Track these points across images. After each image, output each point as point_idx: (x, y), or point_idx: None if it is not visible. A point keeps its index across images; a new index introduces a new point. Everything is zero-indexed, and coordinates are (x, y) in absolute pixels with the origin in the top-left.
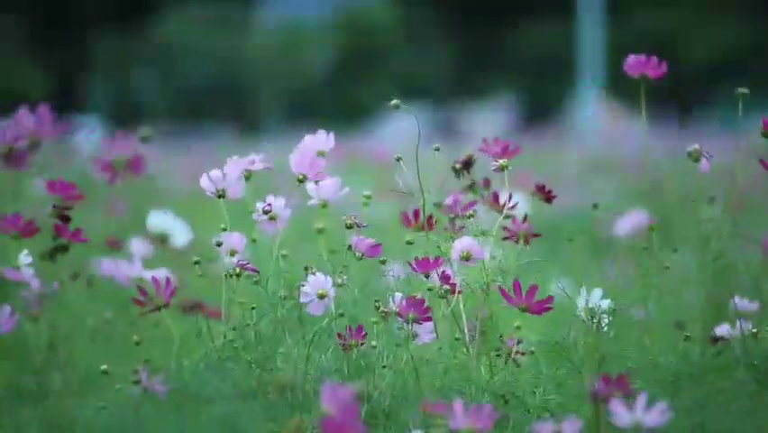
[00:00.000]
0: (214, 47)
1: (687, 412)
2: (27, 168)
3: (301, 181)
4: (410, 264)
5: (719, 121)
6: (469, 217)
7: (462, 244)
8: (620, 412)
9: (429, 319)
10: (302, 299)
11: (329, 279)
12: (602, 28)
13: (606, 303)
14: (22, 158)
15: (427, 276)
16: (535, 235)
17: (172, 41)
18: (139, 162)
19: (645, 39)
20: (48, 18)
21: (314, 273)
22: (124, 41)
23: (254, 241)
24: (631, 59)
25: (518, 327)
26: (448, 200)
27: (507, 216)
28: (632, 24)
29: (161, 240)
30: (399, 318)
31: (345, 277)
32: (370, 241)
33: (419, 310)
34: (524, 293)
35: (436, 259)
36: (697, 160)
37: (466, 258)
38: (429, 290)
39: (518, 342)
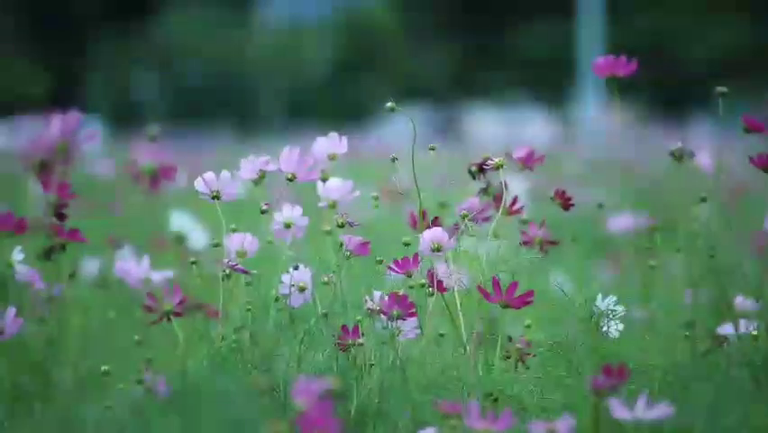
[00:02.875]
0: (214, 47)
1: (684, 412)
2: (54, 181)
3: (290, 180)
4: (389, 267)
5: (719, 120)
6: (464, 217)
7: (432, 234)
8: (620, 410)
9: (413, 315)
10: (280, 291)
11: (308, 271)
12: (602, 28)
13: (606, 303)
14: (52, 171)
15: (410, 276)
16: (552, 243)
17: (172, 41)
18: (170, 171)
19: (645, 39)
20: (48, 18)
21: (296, 268)
22: (124, 41)
23: (270, 243)
24: (600, 60)
25: (529, 326)
26: (464, 205)
27: (524, 222)
28: (632, 24)
29: (179, 241)
30: (383, 316)
31: (334, 276)
32: (359, 239)
33: (403, 307)
34: (503, 290)
35: (415, 257)
36: (680, 158)
37: (437, 249)
38: (411, 287)
39: (527, 343)
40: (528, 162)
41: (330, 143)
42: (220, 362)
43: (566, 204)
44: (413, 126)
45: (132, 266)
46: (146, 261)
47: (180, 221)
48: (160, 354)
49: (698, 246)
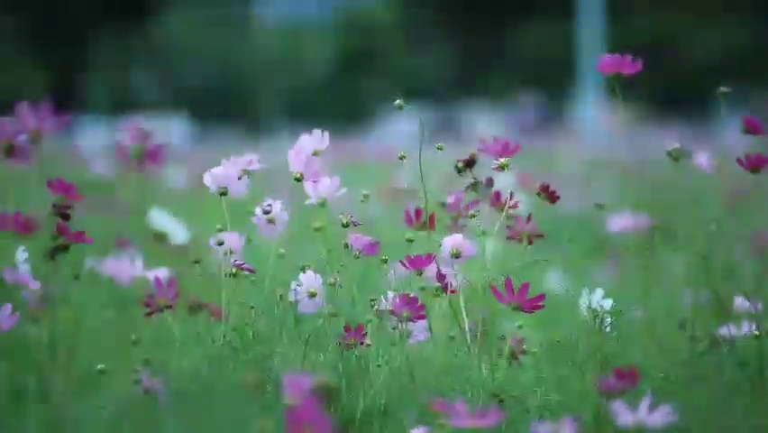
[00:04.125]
0: (214, 47)
1: (683, 412)
2: (30, 161)
3: (298, 180)
4: (401, 262)
5: (719, 120)
6: (471, 217)
7: (453, 241)
8: (623, 413)
9: (423, 318)
10: (293, 298)
11: (319, 277)
12: (602, 28)
13: (608, 303)
14: (23, 152)
15: (420, 273)
16: (539, 236)
17: (172, 41)
18: (158, 152)
19: (645, 39)
20: (48, 18)
21: (305, 272)
22: (124, 40)
23: (250, 241)
24: (605, 57)
25: (521, 327)
26: (450, 199)
27: (510, 217)
28: (632, 24)
29: (160, 238)
30: (393, 317)
31: (338, 276)
32: (368, 239)
33: (413, 308)
34: (516, 291)
35: (428, 256)
36: (677, 159)
37: (456, 255)
38: (422, 289)
39: (520, 341)
40: (504, 154)
41: (313, 140)
42: (220, 361)
43: (552, 197)
44: (421, 126)
45: (126, 265)
46: (139, 260)
47: (160, 219)
48: (157, 354)
49: (697, 246)
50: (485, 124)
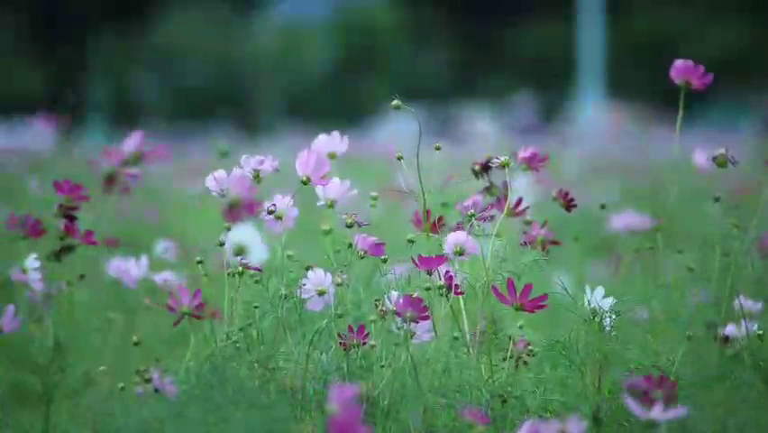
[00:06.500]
0: (215, 47)
1: (694, 413)
2: (128, 192)
3: (305, 183)
4: (413, 260)
5: (719, 120)
6: (473, 217)
7: (456, 238)
8: (635, 408)
9: (427, 318)
10: (302, 295)
11: (328, 275)
12: (602, 28)
13: (608, 303)
14: (126, 181)
15: (430, 273)
16: (554, 243)
17: (172, 41)
18: (253, 205)
19: (645, 39)
20: (48, 18)
21: (313, 270)
22: (124, 40)
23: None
24: (679, 63)
25: (521, 327)
26: (467, 203)
27: (527, 222)
28: (632, 24)
29: (238, 254)
30: (397, 317)
31: (345, 276)
32: (374, 239)
33: (417, 309)
34: (518, 292)
35: (439, 256)
36: (722, 164)
37: (459, 253)
38: (427, 289)
39: (527, 344)
40: (532, 163)
41: (331, 142)
42: (222, 360)
43: (568, 204)
44: (419, 126)
45: (131, 266)
46: (144, 261)
47: (242, 234)
48: (161, 354)
49: (699, 246)
50: (485, 124)
